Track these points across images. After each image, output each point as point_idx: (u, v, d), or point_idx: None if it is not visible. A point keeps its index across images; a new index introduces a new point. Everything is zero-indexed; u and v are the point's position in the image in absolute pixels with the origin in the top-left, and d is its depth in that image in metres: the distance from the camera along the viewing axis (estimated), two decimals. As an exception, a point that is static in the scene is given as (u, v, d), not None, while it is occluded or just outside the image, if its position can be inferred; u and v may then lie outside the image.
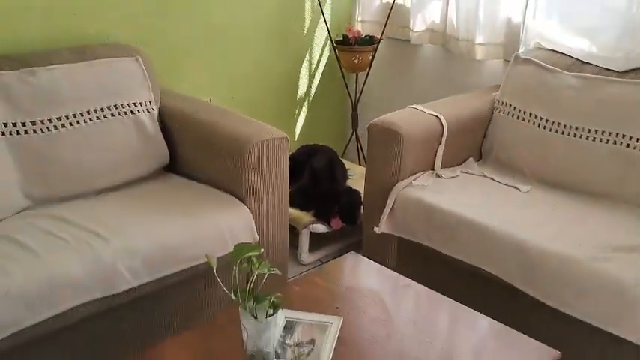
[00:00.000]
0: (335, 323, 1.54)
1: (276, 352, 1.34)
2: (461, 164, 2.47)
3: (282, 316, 1.32)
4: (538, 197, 2.22)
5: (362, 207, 2.57)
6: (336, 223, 2.57)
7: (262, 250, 1.24)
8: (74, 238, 1.83)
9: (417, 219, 2.18)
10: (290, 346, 1.47)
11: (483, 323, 1.60)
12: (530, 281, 1.88)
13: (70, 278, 1.71)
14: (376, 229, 2.27)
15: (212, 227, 2.00)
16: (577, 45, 2.44)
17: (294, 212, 2.57)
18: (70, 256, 1.75)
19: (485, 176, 2.38)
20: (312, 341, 1.49)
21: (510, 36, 2.70)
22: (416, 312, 1.70)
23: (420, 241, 2.17)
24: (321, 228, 2.59)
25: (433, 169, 2.38)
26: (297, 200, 2.56)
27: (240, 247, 1.23)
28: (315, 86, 3.22)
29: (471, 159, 2.51)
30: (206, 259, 1.27)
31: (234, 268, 1.23)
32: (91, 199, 2.12)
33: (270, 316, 1.22)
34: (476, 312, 1.63)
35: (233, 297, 1.23)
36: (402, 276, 1.81)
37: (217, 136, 2.17)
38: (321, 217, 2.57)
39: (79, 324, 1.76)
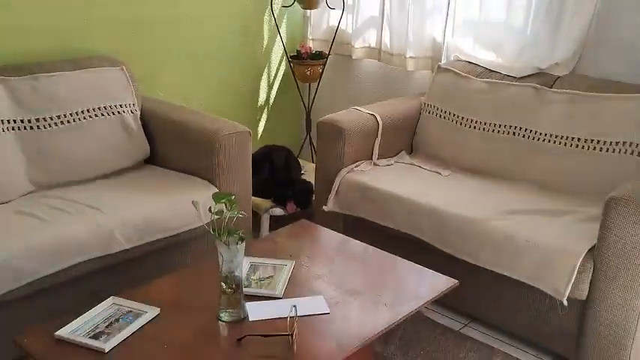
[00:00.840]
0: (289, 265, 1.99)
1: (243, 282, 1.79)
2: (395, 156, 2.97)
3: (244, 247, 1.74)
4: (456, 179, 2.72)
5: (313, 194, 3.04)
6: (291, 207, 3.02)
7: (234, 196, 1.69)
8: (76, 210, 2.25)
9: (357, 198, 2.65)
10: (254, 280, 1.92)
11: (403, 263, 2.08)
12: (444, 240, 2.37)
13: (75, 240, 2.12)
14: (324, 208, 2.74)
15: (188, 204, 2.43)
16: (486, 57, 2.99)
17: (256, 199, 3.01)
18: (74, 223, 2.17)
19: (414, 165, 2.88)
20: (270, 277, 1.94)
21: (435, 51, 3.23)
22: (352, 257, 2.16)
23: (360, 216, 2.64)
24: (278, 211, 3.05)
25: (371, 159, 2.86)
26: (259, 189, 3.01)
27: (218, 195, 1.68)
28: (274, 95, 3.71)
29: (403, 152, 3.01)
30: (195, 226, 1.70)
31: (213, 211, 1.68)
32: (85, 185, 2.53)
33: (238, 244, 1.67)
34: (397, 257, 2.10)
35: (212, 232, 1.68)
36: (343, 235, 2.28)
37: (191, 131, 2.62)
38: (279, 201, 3.02)
39: (81, 278, 2.16)
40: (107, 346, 1.57)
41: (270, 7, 3.51)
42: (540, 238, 2.16)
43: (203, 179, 2.57)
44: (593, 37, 2.71)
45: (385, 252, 2.15)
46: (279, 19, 3.58)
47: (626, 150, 2.42)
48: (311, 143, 3.67)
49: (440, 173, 2.78)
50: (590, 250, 2.07)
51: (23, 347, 1.59)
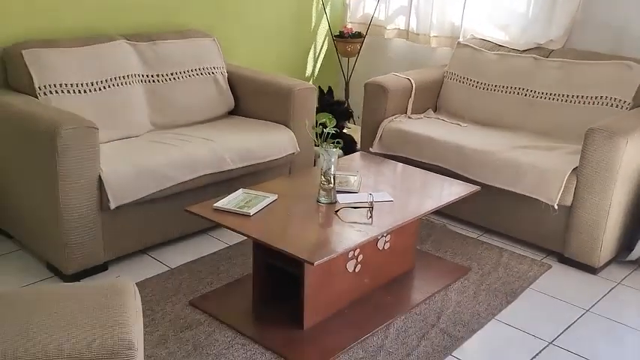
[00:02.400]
0: (357, 176, 2.77)
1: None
2: (423, 112, 3.76)
3: (337, 152, 2.49)
4: (472, 128, 3.51)
5: (357, 144, 3.83)
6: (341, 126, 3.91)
7: (331, 116, 2.47)
8: (194, 140, 3.02)
9: (397, 141, 3.44)
10: (337, 182, 2.69)
11: (438, 177, 2.87)
12: (466, 168, 3.15)
13: (199, 158, 2.89)
14: (371, 149, 3.52)
15: (272, 140, 3.21)
16: (496, 35, 3.80)
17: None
18: (196, 147, 2.94)
19: (439, 119, 3.67)
20: (347, 182, 2.72)
21: (454, 31, 4.03)
22: (399, 172, 2.94)
23: (399, 154, 3.42)
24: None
25: (406, 113, 3.65)
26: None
27: (321, 114, 2.46)
28: (319, 67, 4.49)
29: (429, 109, 3.80)
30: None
31: (314, 127, 2.46)
32: (190, 127, 3.30)
33: (334, 149, 2.44)
34: (433, 173, 2.89)
35: (316, 140, 2.46)
36: (391, 160, 3.07)
37: (270, 87, 3.40)
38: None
39: (202, 188, 2.93)
40: (251, 212, 2.35)
41: (318, -5, 4.33)
42: (538, 163, 2.96)
43: (280, 124, 3.35)
44: (580, 19, 3.51)
45: (423, 170, 2.95)
46: (325, 4, 4.37)
47: (602, 102, 3.22)
48: (348, 107, 4.45)
49: (460, 124, 3.57)
50: (574, 169, 2.87)
51: (193, 213, 2.37)
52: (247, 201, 2.46)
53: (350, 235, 2.27)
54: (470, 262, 2.96)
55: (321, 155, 2.47)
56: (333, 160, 2.46)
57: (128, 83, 3.14)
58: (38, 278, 2.67)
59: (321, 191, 2.50)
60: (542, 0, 3.60)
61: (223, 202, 2.43)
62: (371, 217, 2.37)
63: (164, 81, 3.29)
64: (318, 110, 3.85)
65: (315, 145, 2.70)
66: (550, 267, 2.97)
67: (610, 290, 2.81)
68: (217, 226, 3.11)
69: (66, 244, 2.56)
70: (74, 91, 2.93)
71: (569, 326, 2.52)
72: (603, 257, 2.91)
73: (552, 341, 2.41)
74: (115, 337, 1.54)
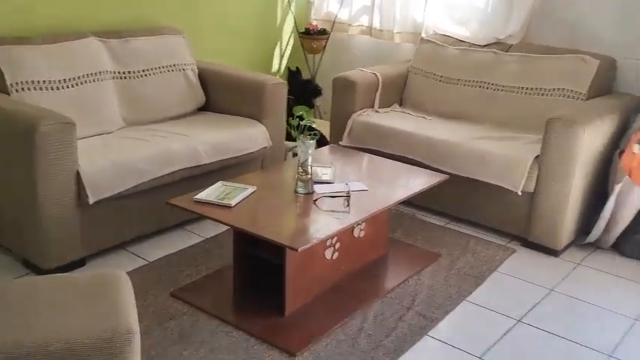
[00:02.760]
0: (332, 168, 2.86)
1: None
2: (389, 106, 3.87)
3: (314, 143, 2.57)
4: (437, 121, 3.64)
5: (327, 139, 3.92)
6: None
7: (308, 109, 2.55)
8: (169, 136, 3.06)
9: (366, 134, 3.54)
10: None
11: (408, 167, 2.99)
12: (433, 159, 3.27)
13: (175, 153, 2.93)
14: (340, 143, 3.61)
15: (245, 134, 3.26)
16: (457, 31, 3.94)
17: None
18: (172, 142, 2.98)
19: (405, 112, 3.79)
20: (324, 174, 2.80)
21: (416, 28, 4.16)
22: (370, 163, 3.04)
23: (368, 147, 3.52)
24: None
25: (373, 107, 3.76)
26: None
27: (298, 107, 2.53)
28: (285, 63, 4.56)
29: (395, 103, 3.92)
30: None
31: (292, 119, 2.53)
32: (162, 123, 3.32)
33: (311, 140, 2.52)
34: (403, 163, 3.00)
35: (293, 133, 2.53)
36: (361, 152, 3.17)
37: (242, 82, 3.46)
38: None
39: (179, 182, 2.96)
40: (232, 202, 2.41)
41: (284, -7, 4.40)
42: (501, 152, 3.11)
43: (251, 119, 3.40)
44: (537, 14, 3.68)
45: (393, 161, 3.06)
46: (290, 2, 4.44)
47: (559, 94, 3.39)
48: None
49: (425, 117, 3.70)
50: (536, 157, 3.02)
51: (175, 205, 2.41)
52: (227, 193, 2.52)
53: (329, 222, 2.36)
54: (439, 249, 3.09)
55: (298, 147, 2.55)
56: (310, 151, 2.55)
57: (99, 80, 3.14)
58: (15, 274, 2.66)
59: (299, 182, 2.58)
60: (501, -3, 3.77)
61: (204, 195, 2.48)
62: (348, 205, 2.46)
63: (135, 77, 3.30)
64: (290, 89, 3.99)
65: (292, 139, 2.78)
66: (515, 251, 3.12)
67: (571, 271, 2.97)
68: (193, 220, 3.19)
69: (44, 240, 2.57)
70: (46, 88, 2.92)
71: (535, 305, 2.66)
72: (564, 240, 3.08)
73: (520, 319, 2.55)
74: (114, 322, 1.59)
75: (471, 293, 2.72)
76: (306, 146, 2.53)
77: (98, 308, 1.65)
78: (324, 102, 4.34)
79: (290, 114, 3.90)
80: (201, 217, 3.17)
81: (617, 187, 2.99)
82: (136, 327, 1.60)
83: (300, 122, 2.54)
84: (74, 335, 1.53)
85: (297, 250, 2.11)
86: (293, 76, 4.36)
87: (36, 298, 1.67)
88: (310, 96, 4.28)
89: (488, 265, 2.95)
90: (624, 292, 2.81)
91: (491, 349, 2.36)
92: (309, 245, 2.15)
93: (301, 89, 4.26)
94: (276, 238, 2.20)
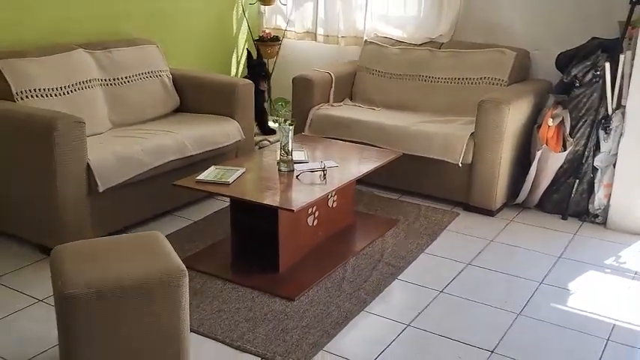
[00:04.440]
0: (305, 150, 3.35)
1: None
2: (341, 101, 4.41)
3: (292, 128, 3.05)
4: (385, 111, 4.21)
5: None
6: (263, 85, 4.58)
7: (288, 101, 3.03)
8: (157, 132, 3.47)
9: (326, 124, 4.06)
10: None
11: (367, 148, 3.52)
12: (386, 142, 3.82)
13: (166, 146, 3.34)
14: (303, 133, 4.11)
15: (222, 129, 3.71)
16: (395, 33, 4.53)
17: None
18: (161, 138, 3.40)
19: (356, 105, 4.34)
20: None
21: (358, 32, 4.73)
22: (335, 146, 3.56)
23: (328, 136, 4.03)
24: (266, 143, 4.39)
25: (329, 102, 4.28)
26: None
27: (277, 98, 3.01)
28: (241, 67, 5.04)
29: (347, 98, 4.46)
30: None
31: (273, 107, 3.01)
32: (146, 124, 3.73)
33: (290, 126, 3.00)
34: (363, 145, 3.54)
35: (273, 122, 3.01)
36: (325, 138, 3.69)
37: (215, 85, 3.91)
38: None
39: (170, 172, 3.37)
40: (230, 180, 2.87)
41: (238, 3, 4.86)
42: (442, 132, 3.70)
43: (225, 116, 3.85)
44: (462, 16, 4.33)
45: (354, 143, 3.60)
46: (244, 12, 4.93)
47: (485, 82, 4.03)
48: (270, 104, 5.02)
49: (374, 109, 4.26)
50: (471, 134, 3.62)
51: (181, 186, 2.85)
52: (222, 174, 2.97)
53: (312, 191, 2.86)
54: (397, 216, 3.64)
55: (279, 132, 3.04)
56: (290, 135, 3.04)
57: (90, 87, 3.52)
58: (33, 260, 3.02)
59: (281, 162, 3.07)
60: (431, 2, 4.38)
61: (203, 176, 2.93)
62: (325, 178, 2.97)
63: (119, 84, 3.70)
64: (248, 67, 4.66)
65: (274, 122, 3.27)
66: (458, 214, 3.71)
67: (505, 226, 3.59)
68: (182, 206, 3.61)
69: (61, 225, 2.94)
70: (47, 95, 3.29)
71: (479, 252, 3.25)
72: (498, 202, 3.69)
73: (469, 262, 3.13)
74: (169, 263, 2.04)
75: (427, 247, 3.28)
76: (286, 131, 3.02)
77: (151, 255, 2.08)
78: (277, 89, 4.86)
79: (258, 107, 4.41)
80: (190, 203, 3.64)
81: (538, 155, 3.63)
82: (184, 266, 2.05)
83: (280, 111, 3.03)
84: (142, 274, 1.96)
85: (293, 211, 2.60)
86: (250, 58, 4.82)
87: (102, 252, 2.09)
88: (259, 77, 4.66)
89: (439, 226, 3.53)
90: (548, 238, 3.44)
91: (449, 285, 2.91)
92: (302, 206, 2.64)
93: (258, 69, 4.72)
94: (273, 203, 2.68)
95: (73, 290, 1.86)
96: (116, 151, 3.15)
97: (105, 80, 3.64)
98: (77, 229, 2.99)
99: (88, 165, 2.98)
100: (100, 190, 3.01)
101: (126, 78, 3.74)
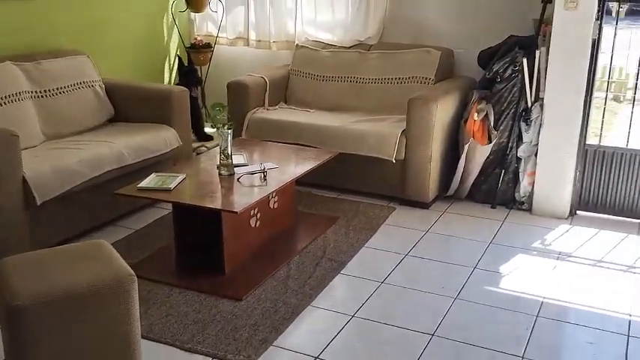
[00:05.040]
0: (244, 153, 3.42)
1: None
2: (277, 105, 4.49)
3: (231, 132, 3.11)
4: (318, 113, 4.32)
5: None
6: (195, 91, 4.66)
7: (225, 105, 3.08)
8: (94, 143, 3.46)
9: (262, 128, 4.13)
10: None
11: (304, 149, 3.62)
12: (321, 142, 3.93)
13: (103, 156, 3.34)
14: (241, 138, 4.17)
15: (159, 137, 3.72)
16: (325, 36, 4.66)
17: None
18: (98, 148, 3.38)
19: (290, 108, 4.43)
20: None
21: (289, 37, 4.83)
22: (273, 148, 3.64)
23: (265, 139, 4.11)
24: (203, 149, 4.42)
25: (264, 106, 4.36)
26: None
27: (215, 104, 3.07)
28: (174, 74, 5.04)
29: (281, 102, 4.55)
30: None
31: (212, 113, 3.06)
32: (80, 135, 3.69)
33: (228, 130, 3.06)
34: (299, 146, 3.64)
35: (212, 128, 3.06)
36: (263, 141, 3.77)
37: (150, 93, 3.92)
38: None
39: (110, 182, 3.37)
40: (172, 186, 2.90)
41: (168, 11, 4.87)
42: (375, 130, 3.84)
43: (161, 124, 3.86)
44: (388, 18, 4.50)
45: (292, 145, 3.69)
46: (175, 20, 4.94)
47: (413, 81, 4.21)
48: (205, 109, 5.05)
49: (308, 111, 4.36)
50: (402, 131, 3.78)
51: (122, 194, 2.86)
52: (163, 181, 3.00)
53: (253, 192, 2.93)
54: (337, 214, 3.75)
55: (218, 137, 3.09)
56: (229, 139, 3.09)
57: (20, 100, 3.47)
58: (-29, 278, 2.95)
59: (222, 166, 3.12)
60: (358, 6, 4.53)
61: (144, 183, 2.95)
62: (265, 179, 3.04)
63: (51, 96, 3.65)
64: (179, 73, 4.76)
65: (203, 137, 3.30)
66: (395, 209, 3.86)
67: (439, 217, 3.76)
68: (122, 216, 3.61)
69: (1, 242, 2.88)
70: (-25, 109, 3.22)
71: (416, 243, 3.40)
72: (431, 195, 3.87)
73: (407, 254, 3.28)
74: (118, 270, 2.06)
75: (367, 241, 3.40)
76: (226, 135, 3.08)
77: (98, 263, 2.10)
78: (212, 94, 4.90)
79: (194, 114, 4.43)
80: (130, 213, 3.64)
81: (465, 148, 3.83)
82: (132, 272, 2.08)
83: (218, 116, 3.08)
84: (91, 281, 1.98)
85: (237, 213, 2.66)
86: (181, 65, 4.85)
87: (48, 262, 2.09)
88: (191, 83, 4.68)
89: (377, 221, 3.66)
90: (479, 226, 3.64)
91: (390, 275, 3.05)
92: (245, 207, 2.71)
93: (190, 75, 4.76)
94: (215, 206, 2.73)
95: (22, 302, 1.86)
96: (52, 163, 3.12)
97: (35, 92, 3.59)
98: (17, 244, 2.94)
99: (24, 178, 2.95)
100: (38, 203, 2.98)
101: (57, 89, 3.69)
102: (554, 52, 3.55)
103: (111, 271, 2.05)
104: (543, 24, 3.74)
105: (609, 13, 3.60)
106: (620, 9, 3.62)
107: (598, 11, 3.46)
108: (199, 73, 4.92)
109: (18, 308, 1.86)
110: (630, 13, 3.90)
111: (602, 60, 3.68)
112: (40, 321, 1.90)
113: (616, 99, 7.72)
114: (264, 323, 2.61)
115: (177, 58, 4.91)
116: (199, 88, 4.83)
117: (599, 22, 3.48)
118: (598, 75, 3.70)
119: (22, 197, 2.95)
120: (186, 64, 4.81)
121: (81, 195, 3.25)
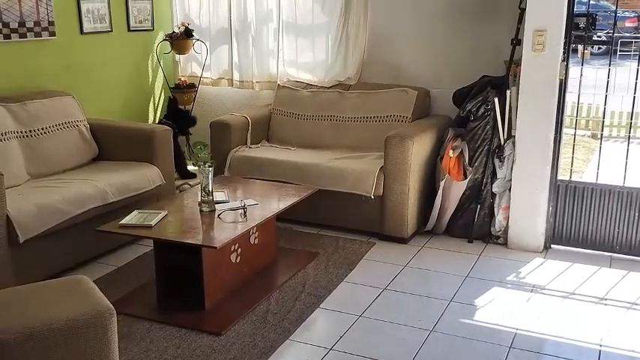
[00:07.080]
0: (225, 191, 3.50)
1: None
2: (259, 143, 4.60)
3: (212, 170, 3.19)
4: (300, 151, 4.42)
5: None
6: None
7: (206, 144, 3.18)
8: (78, 181, 3.53)
9: (244, 165, 4.22)
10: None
11: (284, 185, 3.71)
12: (301, 179, 4.03)
13: (87, 194, 3.41)
14: (223, 175, 4.26)
15: (142, 174, 3.80)
16: (306, 77, 4.80)
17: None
18: (82, 186, 3.45)
19: (272, 146, 4.54)
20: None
21: (272, 77, 4.97)
22: (252, 186, 3.72)
23: (247, 177, 4.20)
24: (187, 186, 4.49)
25: (246, 144, 4.46)
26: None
27: (196, 142, 3.16)
28: (159, 114, 5.14)
29: (263, 140, 4.66)
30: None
31: (193, 151, 3.14)
32: (64, 173, 3.77)
33: (209, 168, 3.14)
34: (280, 183, 3.73)
35: (197, 161, 3.15)
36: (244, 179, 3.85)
37: (133, 132, 4.00)
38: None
39: (92, 220, 3.43)
40: (153, 223, 2.97)
41: (153, 54, 5.01)
42: (354, 167, 3.95)
43: (144, 162, 3.94)
44: (367, 60, 4.66)
45: (272, 182, 3.78)
46: (160, 61, 5.07)
47: (391, 119, 4.34)
48: (190, 148, 5.14)
49: (289, 148, 4.47)
50: (380, 168, 3.89)
51: (104, 231, 2.92)
52: (145, 217, 3.07)
53: (233, 228, 3.00)
54: (317, 249, 3.82)
55: (199, 174, 3.18)
56: (210, 176, 3.18)
57: (5, 139, 3.55)
58: (-48, 316, 2.97)
59: (203, 203, 3.20)
60: (337, 48, 4.69)
61: (126, 220, 3.01)
62: (245, 215, 3.12)
63: (36, 136, 3.73)
64: (169, 114, 4.86)
65: (187, 174, 3.40)
66: (374, 244, 3.94)
67: (417, 252, 3.84)
68: (105, 253, 3.65)
69: (-18, 279, 2.93)
70: (-39, 149, 3.28)
71: (394, 277, 3.47)
72: (410, 230, 3.95)
73: (385, 287, 3.34)
74: (97, 305, 2.12)
75: (346, 275, 3.47)
76: (207, 173, 3.16)
77: (78, 298, 2.16)
78: (195, 133, 5.01)
79: (177, 152, 4.51)
80: (113, 250, 3.68)
81: (442, 184, 3.93)
82: (112, 307, 2.13)
83: (199, 154, 3.17)
84: (70, 315, 2.04)
85: (216, 248, 2.73)
86: (172, 103, 4.97)
87: (28, 298, 2.14)
88: (186, 125, 4.91)
89: (356, 256, 3.73)
90: (456, 260, 3.72)
91: (368, 309, 3.11)
92: (225, 243, 2.78)
93: (179, 117, 4.90)
94: (195, 242, 2.80)
95: (3, 336, 1.91)
96: (36, 201, 3.19)
97: (21, 132, 3.66)
98: (0, 281, 2.98)
99: (8, 217, 3.00)
100: (21, 240, 3.03)
101: (42, 129, 3.78)
102: (524, 92, 3.70)
103: (90, 305, 2.10)
104: (514, 65, 3.90)
105: (575, 52, 3.78)
106: (585, 51, 3.80)
107: (564, 53, 3.62)
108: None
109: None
110: (596, 55, 4.09)
111: (571, 98, 3.84)
112: (21, 355, 1.94)
113: (593, 136, 7.93)
114: (242, 357, 2.65)
115: (169, 99, 5.02)
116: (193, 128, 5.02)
117: (565, 63, 3.64)
118: (567, 112, 3.85)
119: (6, 235, 3.00)
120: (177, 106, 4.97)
121: (65, 232, 3.31)
